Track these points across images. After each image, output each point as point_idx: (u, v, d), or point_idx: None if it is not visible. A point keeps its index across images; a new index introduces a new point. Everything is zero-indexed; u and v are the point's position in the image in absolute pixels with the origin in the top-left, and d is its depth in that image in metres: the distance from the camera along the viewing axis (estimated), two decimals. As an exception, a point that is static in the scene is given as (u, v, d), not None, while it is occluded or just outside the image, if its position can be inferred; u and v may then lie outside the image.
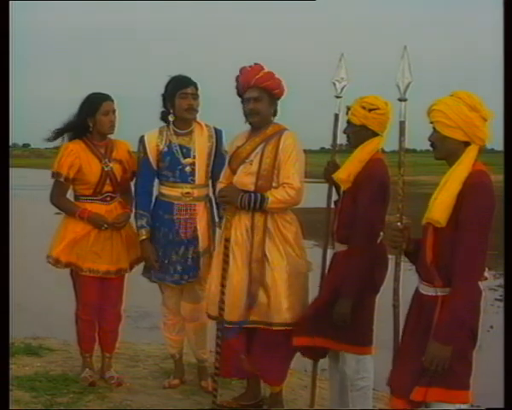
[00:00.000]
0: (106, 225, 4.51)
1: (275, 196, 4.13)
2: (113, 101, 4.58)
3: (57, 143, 4.68)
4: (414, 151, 71.94)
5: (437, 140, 3.13)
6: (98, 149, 4.58)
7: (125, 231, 4.64)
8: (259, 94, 4.20)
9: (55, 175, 4.56)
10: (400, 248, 3.35)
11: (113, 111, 4.57)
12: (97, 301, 4.61)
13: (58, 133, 4.60)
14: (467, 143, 3.08)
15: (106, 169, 4.56)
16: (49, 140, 4.62)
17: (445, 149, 3.13)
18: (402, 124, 3.51)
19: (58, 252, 4.55)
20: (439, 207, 3.02)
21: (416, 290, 3.24)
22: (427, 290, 3.15)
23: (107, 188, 4.58)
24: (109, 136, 4.64)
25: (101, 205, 4.58)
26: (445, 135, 3.08)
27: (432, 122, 3.13)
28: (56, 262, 4.56)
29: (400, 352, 3.30)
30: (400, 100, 3.50)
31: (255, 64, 4.28)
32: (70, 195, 4.69)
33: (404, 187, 3.47)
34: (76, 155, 4.52)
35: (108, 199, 4.60)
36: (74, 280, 4.66)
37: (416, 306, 3.23)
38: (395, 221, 3.37)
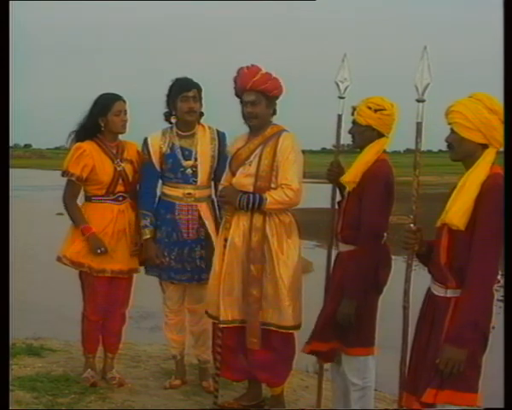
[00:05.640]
0: (102, 249, 4.47)
1: (273, 197, 4.12)
2: (124, 101, 4.59)
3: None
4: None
5: (454, 141, 3.10)
6: (110, 149, 4.59)
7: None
8: (256, 97, 4.19)
9: (67, 174, 4.53)
10: (412, 250, 3.33)
11: (125, 111, 4.58)
12: (106, 302, 4.61)
13: (76, 135, 4.58)
14: (484, 146, 3.05)
15: (118, 169, 4.57)
16: (70, 144, 4.59)
17: (462, 151, 3.10)
18: (419, 125, 3.46)
19: (71, 252, 4.55)
20: (459, 212, 2.99)
21: (428, 290, 3.24)
22: (440, 291, 3.14)
23: (120, 188, 4.59)
24: (119, 136, 4.65)
25: (114, 205, 4.58)
26: (463, 136, 3.06)
27: (450, 123, 3.10)
28: (70, 262, 4.55)
29: (413, 352, 3.29)
30: (418, 101, 3.45)
31: (252, 66, 4.25)
32: (81, 197, 4.68)
33: (418, 188, 3.45)
34: (90, 155, 4.52)
35: (121, 199, 4.61)
36: (83, 281, 4.65)
37: (427, 306, 3.22)
38: (404, 223, 3.34)
